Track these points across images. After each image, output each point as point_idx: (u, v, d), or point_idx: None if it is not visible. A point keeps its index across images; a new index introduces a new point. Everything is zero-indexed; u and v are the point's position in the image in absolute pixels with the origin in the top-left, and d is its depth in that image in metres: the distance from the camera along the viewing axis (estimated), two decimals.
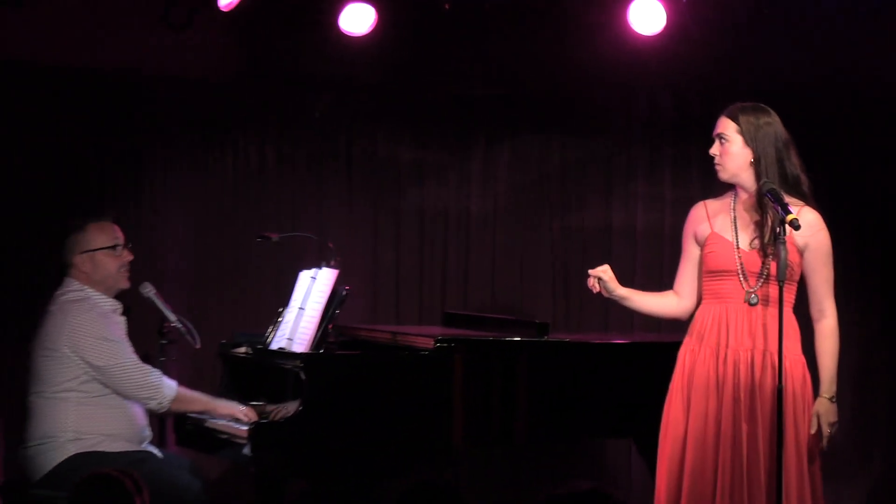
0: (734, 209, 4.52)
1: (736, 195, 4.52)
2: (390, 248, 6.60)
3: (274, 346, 5.14)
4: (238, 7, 5.61)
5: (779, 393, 4.31)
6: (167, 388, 4.93)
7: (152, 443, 5.10)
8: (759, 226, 4.44)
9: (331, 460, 4.74)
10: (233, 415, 4.94)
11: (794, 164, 4.46)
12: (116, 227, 5.06)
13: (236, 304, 6.25)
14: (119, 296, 5.06)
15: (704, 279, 4.58)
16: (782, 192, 4.37)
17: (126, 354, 4.92)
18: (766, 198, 4.39)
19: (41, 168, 5.81)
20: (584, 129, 6.53)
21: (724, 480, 4.43)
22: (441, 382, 4.81)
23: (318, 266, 5.17)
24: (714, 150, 4.50)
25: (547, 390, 4.97)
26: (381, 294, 6.56)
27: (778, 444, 4.31)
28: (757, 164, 4.43)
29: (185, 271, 6.19)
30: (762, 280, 4.44)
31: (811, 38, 5.72)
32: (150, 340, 5.32)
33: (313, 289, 5.09)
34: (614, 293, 4.63)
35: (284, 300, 5.25)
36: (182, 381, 5.07)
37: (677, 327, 4.77)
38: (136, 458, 4.80)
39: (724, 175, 4.50)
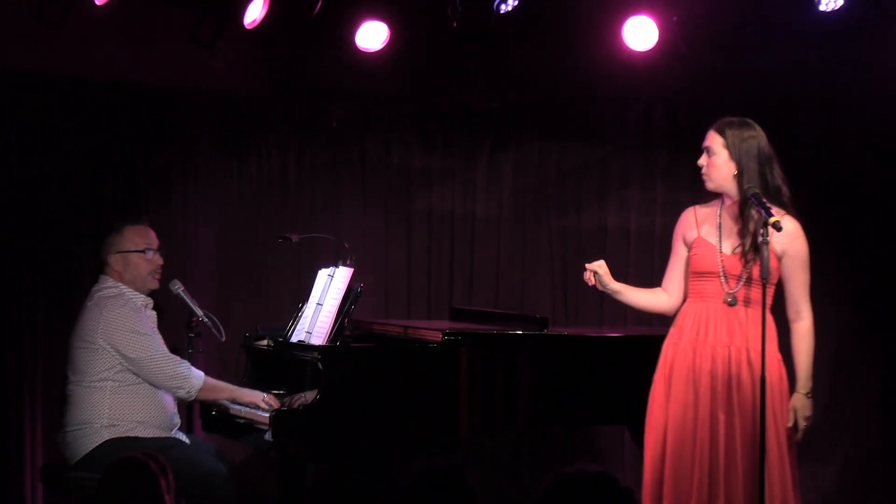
0: (720, 216, 4.54)
1: (722, 203, 4.54)
2: (401, 247, 6.60)
3: (294, 339, 5.14)
4: (261, 25, 5.61)
5: (762, 383, 4.32)
6: (195, 378, 4.94)
7: (181, 429, 5.12)
8: (742, 233, 4.45)
9: (346, 445, 4.74)
10: (256, 402, 4.95)
11: (776, 176, 4.47)
12: (151, 232, 5.07)
13: (259, 299, 6.25)
14: (150, 293, 5.08)
15: (689, 279, 4.60)
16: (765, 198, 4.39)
17: (156, 347, 4.93)
18: (751, 201, 4.40)
19: (79, 173, 5.82)
20: (581, 137, 6.52)
21: (702, 468, 4.43)
22: (449, 372, 4.82)
23: (335, 265, 5.17)
24: (702, 161, 4.52)
25: (546, 380, 4.97)
26: (393, 291, 6.56)
27: (761, 433, 4.32)
28: (740, 177, 4.44)
29: (212, 270, 6.19)
30: (742, 283, 4.47)
31: (793, 54, 5.72)
32: (179, 334, 5.33)
33: (330, 286, 5.10)
34: (608, 287, 4.65)
35: (304, 296, 5.25)
36: (208, 372, 5.08)
37: (667, 322, 4.78)
38: (165, 444, 4.80)
39: (711, 185, 4.52)
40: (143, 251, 5.01)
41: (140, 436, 4.86)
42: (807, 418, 4.44)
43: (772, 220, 4.29)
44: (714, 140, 4.49)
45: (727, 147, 4.46)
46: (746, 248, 4.43)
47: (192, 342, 5.27)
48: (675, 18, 5.72)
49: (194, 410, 5.43)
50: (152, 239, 5.06)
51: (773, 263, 4.41)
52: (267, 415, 4.78)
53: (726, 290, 4.47)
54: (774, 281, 4.47)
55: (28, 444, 5.60)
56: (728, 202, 4.51)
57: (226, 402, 5.06)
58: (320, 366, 4.72)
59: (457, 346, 4.83)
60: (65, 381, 5.00)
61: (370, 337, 5.30)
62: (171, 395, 4.98)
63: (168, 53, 5.79)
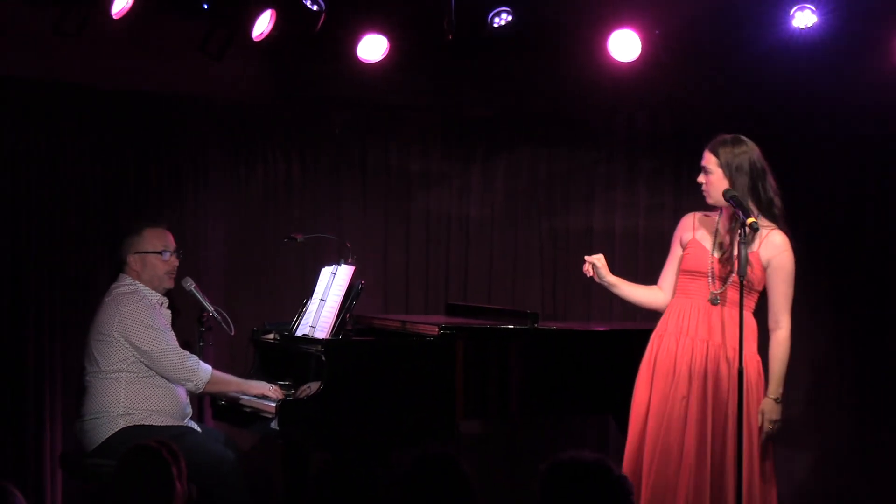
0: (718, 224, 4.56)
1: (721, 213, 4.56)
2: (400, 247, 6.58)
3: (299, 333, 5.14)
4: (268, 38, 5.60)
5: (739, 375, 4.32)
6: (203, 372, 4.93)
7: (193, 418, 5.10)
8: (731, 239, 4.46)
9: (348, 433, 4.73)
10: (263, 393, 4.93)
11: (768, 189, 4.47)
12: (169, 235, 5.08)
13: (266, 296, 6.23)
14: (166, 292, 5.08)
15: (679, 277, 4.61)
16: (746, 201, 4.39)
17: (168, 341, 4.92)
18: (729, 203, 4.40)
19: (95, 178, 5.80)
20: (569, 144, 6.51)
21: (671, 453, 4.44)
22: (445, 364, 4.81)
23: (338, 263, 5.17)
24: (700, 179, 4.56)
25: (537, 371, 4.97)
26: (392, 287, 6.54)
27: (738, 426, 4.32)
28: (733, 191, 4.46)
29: (222, 268, 6.17)
30: (727, 284, 4.47)
31: (768, 65, 5.71)
32: (190, 328, 5.33)
33: (333, 283, 5.09)
34: (605, 279, 4.67)
35: (308, 293, 5.25)
36: (218, 365, 5.08)
37: (650, 316, 4.78)
38: (178, 433, 4.79)
39: (710, 200, 4.56)
40: (160, 252, 5.00)
41: (154, 424, 4.85)
42: (773, 422, 4.44)
43: (749, 220, 4.30)
44: (709, 160, 4.52)
45: (721, 166, 4.48)
46: (729, 249, 4.44)
47: (203, 336, 5.27)
48: (657, 32, 5.72)
49: (205, 400, 5.43)
50: (170, 241, 5.06)
51: (759, 272, 4.42)
52: (273, 405, 4.77)
53: (712, 289, 4.48)
54: (759, 288, 4.48)
55: (47, 433, 5.58)
56: (726, 213, 4.53)
57: (234, 395, 5.05)
58: (324, 358, 4.72)
59: (452, 339, 4.83)
60: (82, 372, 5.00)
61: (371, 331, 5.29)
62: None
63: (179, 64, 5.77)
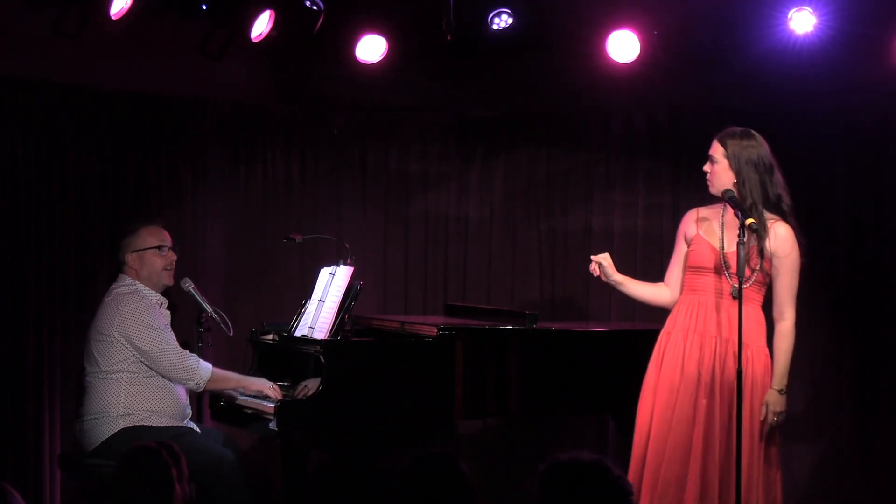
0: (723, 216, 4.54)
1: (725, 205, 4.53)
2: (399, 248, 6.58)
3: (297, 333, 5.13)
4: (267, 39, 5.59)
5: (738, 375, 4.31)
6: (203, 371, 4.92)
7: (192, 419, 5.09)
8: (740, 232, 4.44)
9: (347, 434, 4.72)
10: (262, 390, 4.93)
11: (776, 185, 4.47)
12: (164, 231, 5.10)
13: (265, 296, 6.23)
14: (165, 292, 5.07)
15: (685, 273, 4.60)
16: (743, 201, 4.38)
17: (167, 341, 4.91)
18: (728, 203, 4.39)
19: (95, 179, 5.79)
20: (568, 144, 6.51)
21: (678, 450, 4.42)
22: (444, 364, 4.81)
23: (336, 264, 5.17)
24: (706, 168, 4.55)
25: (535, 371, 4.97)
26: (391, 288, 6.54)
27: (738, 420, 4.31)
28: (739, 185, 4.44)
29: (221, 269, 6.16)
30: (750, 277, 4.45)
31: (766, 66, 5.70)
32: (189, 329, 5.32)
33: (332, 283, 5.08)
34: (612, 278, 4.67)
35: (307, 293, 5.24)
36: (217, 365, 5.06)
37: (648, 317, 4.76)
38: (177, 433, 4.78)
39: (713, 190, 4.55)
40: (157, 248, 5.00)
41: (154, 425, 4.85)
42: (777, 413, 4.43)
43: (747, 221, 4.29)
44: (716, 150, 4.51)
45: (727, 157, 4.47)
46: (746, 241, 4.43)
47: (202, 336, 5.26)
48: (655, 33, 5.71)
49: (204, 401, 5.42)
50: (166, 237, 5.07)
51: (765, 264, 4.42)
52: (272, 405, 4.75)
53: (732, 283, 4.44)
54: (766, 281, 4.48)
55: (46, 433, 5.57)
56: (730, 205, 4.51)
57: (233, 392, 5.04)
58: (322, 359, 4.70)
59: (451, 339, 4.82)
60: (82, 372, 5.00)
61: (369, 331, 5.29)
62: (183, 387, 4.95)
63: (179, 65, 5.77)
